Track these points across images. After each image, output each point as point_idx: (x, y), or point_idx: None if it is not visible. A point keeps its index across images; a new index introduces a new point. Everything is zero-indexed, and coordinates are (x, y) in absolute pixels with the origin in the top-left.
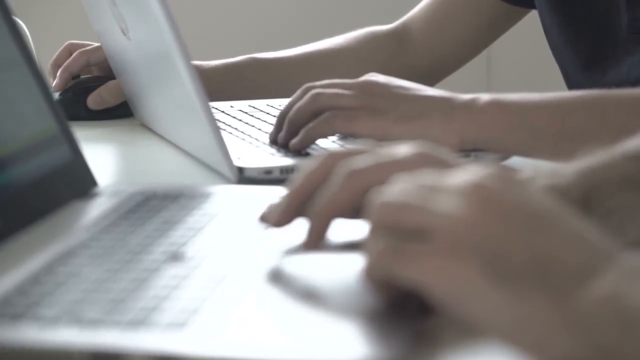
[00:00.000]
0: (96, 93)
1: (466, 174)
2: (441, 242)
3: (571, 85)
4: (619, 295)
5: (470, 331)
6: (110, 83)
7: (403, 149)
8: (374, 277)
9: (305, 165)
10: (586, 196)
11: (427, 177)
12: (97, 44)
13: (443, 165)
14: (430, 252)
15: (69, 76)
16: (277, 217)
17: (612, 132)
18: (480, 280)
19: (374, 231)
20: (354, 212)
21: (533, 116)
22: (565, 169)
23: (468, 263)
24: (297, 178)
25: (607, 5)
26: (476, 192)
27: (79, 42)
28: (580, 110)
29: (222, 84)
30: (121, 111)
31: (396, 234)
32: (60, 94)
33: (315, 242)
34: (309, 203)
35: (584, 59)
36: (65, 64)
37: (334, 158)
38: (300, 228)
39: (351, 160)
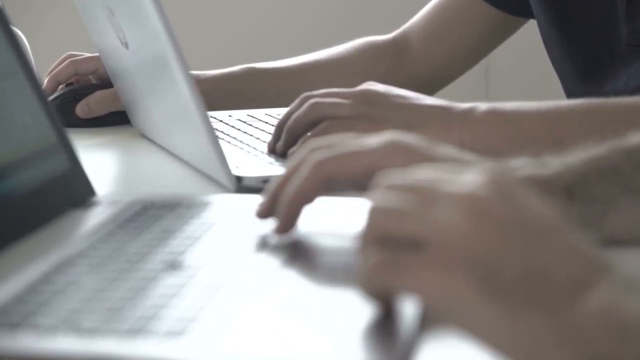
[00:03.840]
0: (83, 102)
1: (461, 181)
2: (435, 255)
3: (570, 96)
4: (614, 307)
5: (467, 338)
6: (98, 93)
7: (374, 139)
8: (369, 289)
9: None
10: (570, 185)
11: (421, 182)
12: (91, 55)
13: (413, 153)
14: (423, 264)
15: (55, 84)
16: (260, 209)
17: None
18: (474, 294)
19: (366, 241)
20: (324, 193)
21: (530, 125)
22: (552, 161)
23: (462, 277)
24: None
25: (605, 17)
26: (471, 203)
27: (78, 53)
28: (577, 120)
29: (220, 94)
30: (110, 120)
31: (389, 244)
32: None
33: (286, 227)
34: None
35: (582, 70)
36: (54, 72)
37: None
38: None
39: (318, 151)
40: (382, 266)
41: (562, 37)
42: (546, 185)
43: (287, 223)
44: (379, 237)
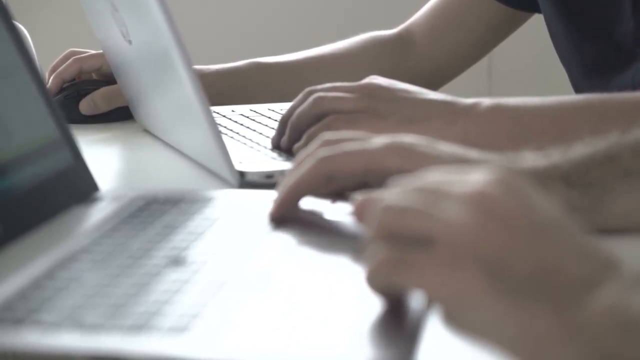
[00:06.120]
0: (89, 98)
1: (470, 180)
2: (444, 252)
3: (577, 90)
4: (621, 305)
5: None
6: (103, 89)
7: (377, 140)
8: (375, 285)
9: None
10: (567, 174)
11: (430, 182)
12: (93, 52)
13: (412, 154)
14: (432, 262)
15: (60, 82)
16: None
17: None
18: (481, 291)
19: (375, 237)
20: (321, 192)
21: (533, 120)
22: (551, 152)
23: (471, 274)
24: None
25: (612, 11)
26: (480, 201)
27: (80, 50)
28: (579, 115)
29: (223, 89)
30: (114, 116)
31: (398, 241)
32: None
33: (277, 213)
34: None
35: (590, 64)
36: (59, 70)
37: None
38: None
39: (323, 148)
40: (390, 263)
41: (569, 31)
42: (545, 175)
43: (280, 209)
44: (388, 234)
